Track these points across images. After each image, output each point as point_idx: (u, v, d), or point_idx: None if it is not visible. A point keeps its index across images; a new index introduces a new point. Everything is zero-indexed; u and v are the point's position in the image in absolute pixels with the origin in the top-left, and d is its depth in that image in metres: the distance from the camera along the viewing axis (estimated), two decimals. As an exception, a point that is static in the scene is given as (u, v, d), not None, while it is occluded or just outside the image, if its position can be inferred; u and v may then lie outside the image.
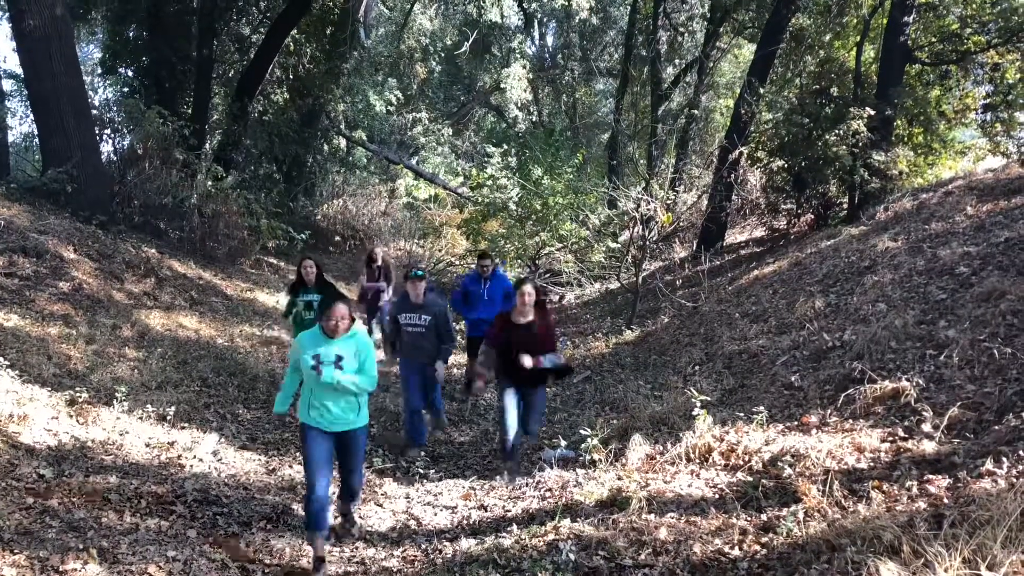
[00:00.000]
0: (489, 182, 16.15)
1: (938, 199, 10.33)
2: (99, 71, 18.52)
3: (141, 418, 6.54)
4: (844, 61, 13.66)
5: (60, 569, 4.02)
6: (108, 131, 13.91)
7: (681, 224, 15.68)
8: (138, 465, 5.69)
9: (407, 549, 5.05)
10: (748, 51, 19.93)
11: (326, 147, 21.17)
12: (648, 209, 11.97)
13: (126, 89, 16.42)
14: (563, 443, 6.42)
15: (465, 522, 5.45)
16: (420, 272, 7.07)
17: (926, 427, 4.89)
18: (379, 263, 10.96)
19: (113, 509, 4.90)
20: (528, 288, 6.39)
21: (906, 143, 12.63)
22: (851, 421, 5.42)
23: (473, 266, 10.28)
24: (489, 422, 8.19)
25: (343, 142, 23.28)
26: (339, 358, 4.79)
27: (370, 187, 24.86)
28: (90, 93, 14.73)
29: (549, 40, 31.62)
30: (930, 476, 4.33)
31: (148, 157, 12.79)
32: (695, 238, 15.90)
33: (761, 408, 6.09)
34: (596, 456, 5.72)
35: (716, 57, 19.86)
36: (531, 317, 6.22)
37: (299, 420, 4.96)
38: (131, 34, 16.37)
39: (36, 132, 13.22)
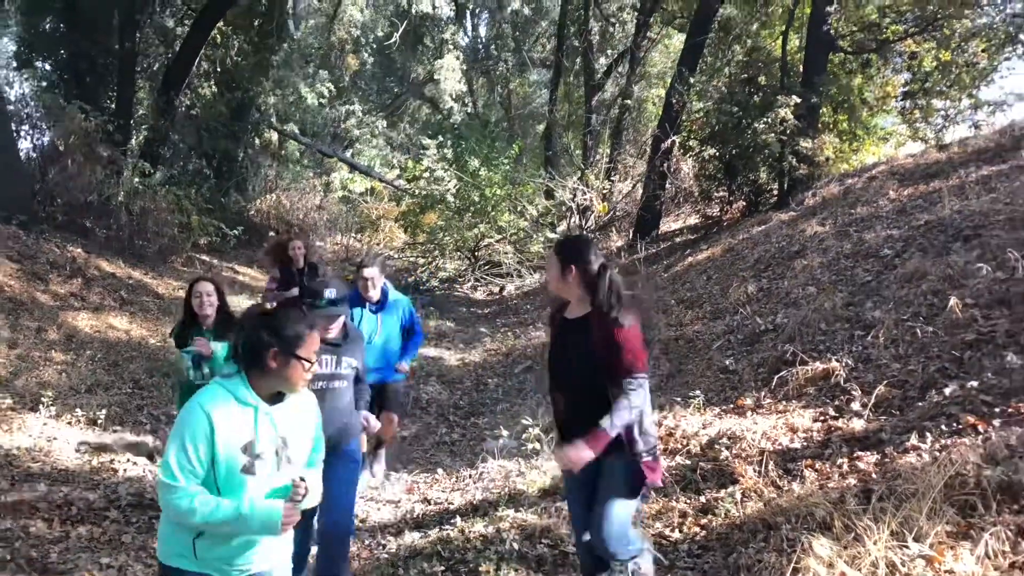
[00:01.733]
0: (426, 174, 16.09)
1: (863, 184, 10.66)
2: (14, 65, 17.76)
3: (70, 423, 6.34)
4: (771, 50, 13.95)
5: (-13, 582, 3.89)
6: (26, 127, 13.39)
7: (617, 213, 15.86)
8: (68, 471, 5.52)
9: (351, 544, 5.01)
10: (678, 41, 20.19)
11: (257, 141, 20.76)
12: (584, 199, 12.11)
13: (44, 83, 15.80)
14: (505, 433, 6.44)
15: (409, 516, 5.43)
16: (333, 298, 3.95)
17: (855, 406, 5.05)
18: (300, 264, 7.27)
19: (42, 518, 4.75)
20: (368, 272, 5.42)
21: (831, 130, 12.98)
22: (784, 402, 5.56)
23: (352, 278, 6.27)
24: (431, 415, 8.17)
25: (275, 136, 22.86)
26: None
27: (304, 181, 24.48)
28: (5, 88, 14.15)
29: (482, 31, 31.57)
30: (859, 453, 4.48)
31: (70, 154, 12.34)
32: (631, 227, 16.09)
33: (698, 392, 6.21)
34: (538, 445, 5.75)
35: (647, 47, 20.06)
36: (586, 311, 3.45)
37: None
38: (48, 26, 15.72)
39: (-52, 130, 12.64)
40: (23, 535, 4.46)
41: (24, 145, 13.05)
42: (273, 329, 2.63)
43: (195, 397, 2.61)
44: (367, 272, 5.44)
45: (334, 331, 4.00)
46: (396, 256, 18.17)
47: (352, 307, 5.25)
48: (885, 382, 5.08)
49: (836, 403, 5.22)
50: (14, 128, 12.38)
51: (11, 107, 12.82)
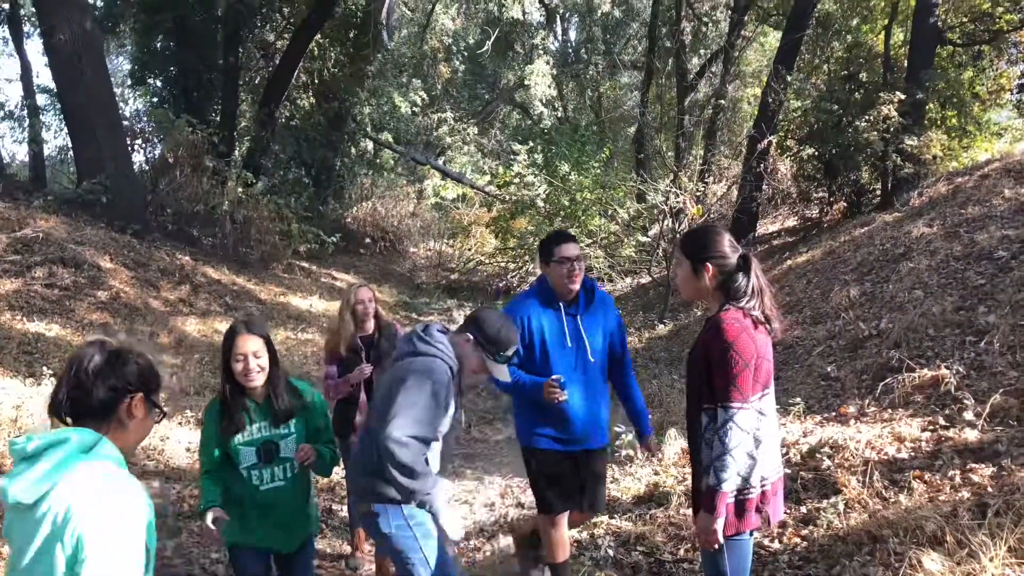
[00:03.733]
0: (516, 180, 16.15)
1: (974, 182, 10.15)
2: (129, 83, 18.80)
3: (180, 423, 6.64)
4: (873, 45, 13.46)
5: None
6: (139, 141, 14.16)
7: (711, 216, 15.56)
8: (180, 469, 5.78)
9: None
10: (774, 39, 19.71)
11: (353, 150, 21.31)
12: (677, 202, 11.92)
13: (155, 99, 16.66)
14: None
15: (503, 520, 5.46)
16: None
17: (967, 415, 4.81)
18: (369, 327, 4.76)
19: (157, 514, 4.98)
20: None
21: (939, 126, 12.41)
22: (890, 411, 5.35)
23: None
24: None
25: (370, 144, 23.40)
26: None
27: (398, 188, 24.99)
28: (121, 104, 14.98)
29: (572, 35, 31.52)
30: (973, 465, 4.27)
31: (179, 165, 12.96)
32: (726, 229, 15.75)
33: (798, 399, 6.04)
34: (631, 452, 5.70)
35: (741, 46, 19.64)
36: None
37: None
38: (159, 45, 16.61)
39: (70, 145, 13.46)
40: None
41: (137, 158, 13.80)
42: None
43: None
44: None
45: None
46: (487, 261, 18.31)
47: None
48: (1001, 391, 4.82)
49: (947, 412, 4.99)
50: (128, 142, 13.08)
51: (126, 122, 13.56)
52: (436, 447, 3.09)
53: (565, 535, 3.94)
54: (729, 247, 2.86)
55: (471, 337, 3.14)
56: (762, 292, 2.81)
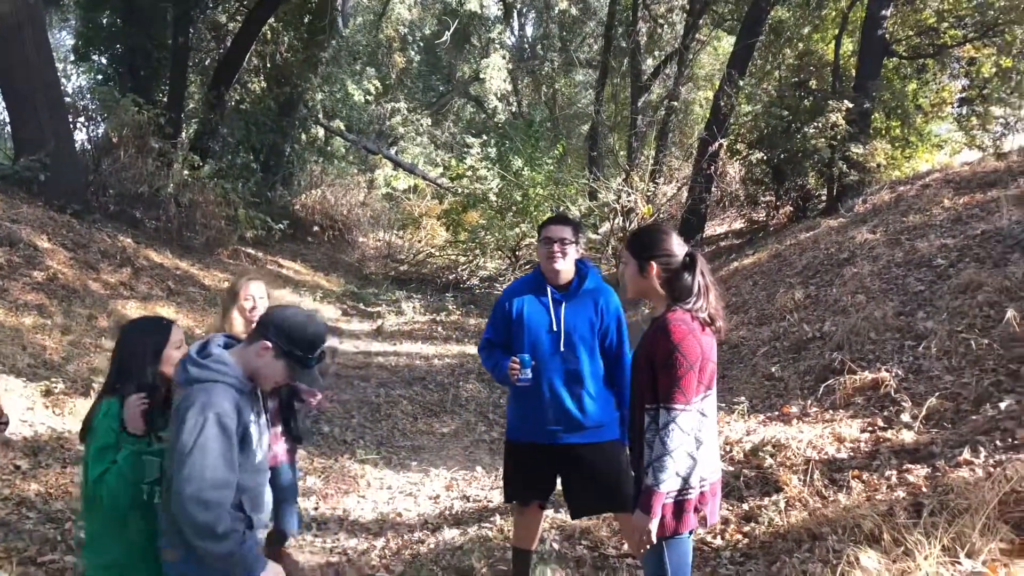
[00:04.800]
0: (469, 173, 16.11)
1: (916, 191, 10.44)
2: (72, 58, 18.20)
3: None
4: (823, 54, 13.75)
5: (38, 560, 3.97)
6: (82, 119, 13.67)
7: (661, 216, 15.73)
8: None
9: (389, 540, 5.03)
10: (727, 43, 19.98)
11: (304, 136, 20.96)
12: (628, 200, 12.03)
13: (100, 77, 16.15)
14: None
15: (448, 512, 5.44)
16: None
17: (905, 417, 4.94)
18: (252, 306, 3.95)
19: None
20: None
21: (884, 136, 12.74)
22: (831, 411, 5.47)
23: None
24: (471, 413, 8.17)
25: (321, 131, 23.08)
26: None
27: (349, 177, 24.68)
28: (63, 81, 14.49)
29: (528, 30, 31.55)
30: (909, 465, 4.38)
31: (123, 145, 12.58)
32: (675, 230, 15.92)
33: (742, 398, 6.15)
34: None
35: (696, 49, 19.86)
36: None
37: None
38: (104, 21, 16.07)
39: (8, 120, 12.98)
40: (73, 516, 4.55)
41: (80, 136, 13.33)
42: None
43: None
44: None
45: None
46: (437, 254, 18.22)
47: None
48: (937, 394, 4.96)
49: (885, 414, 5.12)
50: (71, 120, 12.66)
51: (68, 99, 13.11)
52: None
53: (530, 522, 3.86)
54: (676, 246, 2.84)
55: (269, 344, 2.54)
56: (708, 291, 2.80)
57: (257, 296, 3.88)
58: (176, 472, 2.36)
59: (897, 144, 13.06)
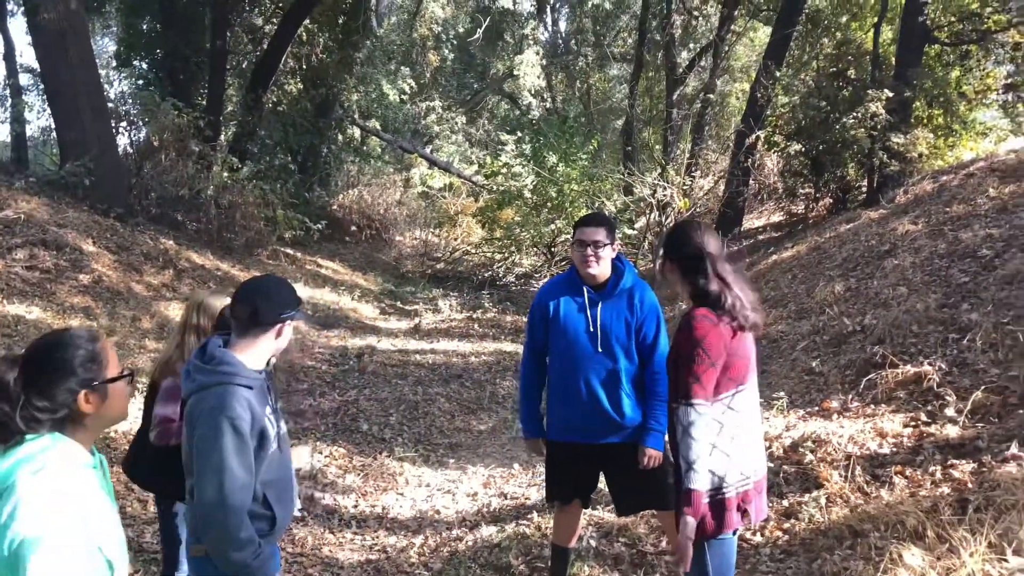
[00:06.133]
0: (504, 170, 16.11)
1: (959, 181, 10.21)
2: (114, 64, 18.58)
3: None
4: (861, 43, 13.48)
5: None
6: (124, 124, 13.97)
7: (698, 210, 15.59)
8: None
9: (428, 537, 5.07)
10: (764, 34, 19.74)
11: (340, 137, 21.16)
12: (664, 195, 11.94)
13: (141, 82, 16.47)
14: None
15: (485, 510, 5.46)
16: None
17: (949, 411, 4.84)
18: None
19: (137, 499, 4.95)
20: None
21: (926, 125, 12.46)
22: (873, 406, 5.38)
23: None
24: (508, 410, 8.19)
25: (357, 132, 23.26)
26: None
27: (385, 176, 24.84)
28: (105, 86, 14.80)
29: (562, 26, 31.42)
30: (954, 461, 4.30)
31: (164, 149, 12.82)
32: (712, 224, 15.81)
33: (781, 393, 6.08)
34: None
35: (731, 40, 19.66)
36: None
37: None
38: (145, 26, 16.42)
39: (53, 126, 13.30)
40: (121, 516, 4.65)
41: (122, 141, 13.62)
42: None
43: None
44: None
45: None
46: (473, 251, 18.27)
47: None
48: (983, 388, 4.85)
49: (928, 408, 5.02)
50: (113, 124, 12.93)
51: (111, 104, 13.40)
52: None
53: (571, 520, 3.86)
54: (700, 244, 2.81)
55: (287, 320, 2.61)
56: (727, 289, 2.76)
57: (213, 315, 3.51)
58: (196, 483, 2.40)
59: (940, 133, 12.76)
